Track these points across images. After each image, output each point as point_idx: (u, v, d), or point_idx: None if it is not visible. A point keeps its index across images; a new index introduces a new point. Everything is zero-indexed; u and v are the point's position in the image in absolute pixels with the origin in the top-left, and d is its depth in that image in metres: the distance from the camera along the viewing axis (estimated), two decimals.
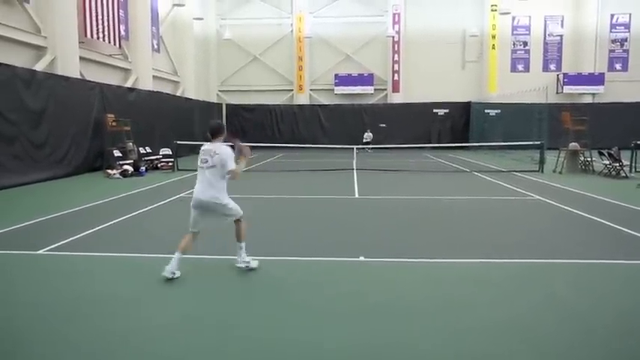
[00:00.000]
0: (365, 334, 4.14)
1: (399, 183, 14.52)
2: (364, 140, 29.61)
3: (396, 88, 33.99)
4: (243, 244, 5.79)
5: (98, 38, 19.28)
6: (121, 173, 15.69)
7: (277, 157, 24.98)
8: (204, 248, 6.99)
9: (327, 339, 4.05)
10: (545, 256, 6.44)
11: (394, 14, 33.46)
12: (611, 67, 33.64)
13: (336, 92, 34.34)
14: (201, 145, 5.82)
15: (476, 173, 16.85)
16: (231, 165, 5.44)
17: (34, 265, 6.24)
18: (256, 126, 32.97)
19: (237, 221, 5.76)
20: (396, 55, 33.73)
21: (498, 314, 4.56)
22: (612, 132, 24.68)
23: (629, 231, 7.78)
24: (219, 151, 5.48)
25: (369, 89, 34.14)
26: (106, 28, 19.66)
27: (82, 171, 16.38)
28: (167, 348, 3.93)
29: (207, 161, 5.51)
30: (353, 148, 23.66)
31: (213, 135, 5.66)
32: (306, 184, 14.11)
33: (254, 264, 5.83)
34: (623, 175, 15.18)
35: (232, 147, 5.71)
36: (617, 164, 15.39)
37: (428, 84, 33.41)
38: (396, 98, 33.87)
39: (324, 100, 34.58)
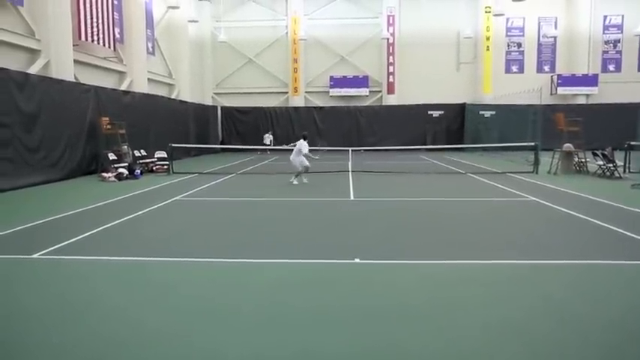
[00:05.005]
0: (362, 337, 4.13)
1: (395, 185, 14.53)
2: (266, 142, 29.52)
3: (390, 89, 34.07)
4: (295, 177, 14.24)
5: (92, 41, 19.25)
6: (116, 176, 15.63)
7: (273, 159, 24.99)
8: (200, 252, 6.97)
9: (324, 343, 4.04)
10: (541, 257, 6.46)
11: (388, 16, 33.56)
12: (604, 68, 33.85)
13: (331, 94, 34.37)
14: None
15: (471, 175, 16.89)
16: (305, 150, 14.00)
17: (28, 269, 6.21)
18: (252, 128, 32.89)
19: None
20: (390, 57, 33.82)
21: (495, 315, 4.56)
22: (606, 133, 24.78)
23: (624, 232, 7.82)
24: (297, 143, 14.23)
25: (364, 91, 34.20)
26: (100, 31, 19.65)
27: (76, 174, 16.32)
28: (162, 353, 3.92)
29: (295, 145, 14.25)
30: (349, 150, 23.68)
31: (304, 137, 14.37)
32: (301, 186, 14.10)
33: (295, 182, 14.10)
34: (617, 175, 15.24)
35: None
36: (611, 165, 15.46)
37: (423, 85, 33.53)
38: (391, 100, 33.96)
39: (319, 102, 34.61)
